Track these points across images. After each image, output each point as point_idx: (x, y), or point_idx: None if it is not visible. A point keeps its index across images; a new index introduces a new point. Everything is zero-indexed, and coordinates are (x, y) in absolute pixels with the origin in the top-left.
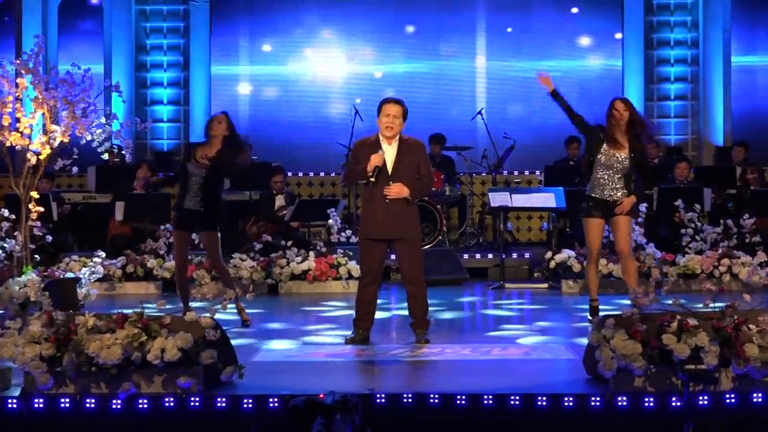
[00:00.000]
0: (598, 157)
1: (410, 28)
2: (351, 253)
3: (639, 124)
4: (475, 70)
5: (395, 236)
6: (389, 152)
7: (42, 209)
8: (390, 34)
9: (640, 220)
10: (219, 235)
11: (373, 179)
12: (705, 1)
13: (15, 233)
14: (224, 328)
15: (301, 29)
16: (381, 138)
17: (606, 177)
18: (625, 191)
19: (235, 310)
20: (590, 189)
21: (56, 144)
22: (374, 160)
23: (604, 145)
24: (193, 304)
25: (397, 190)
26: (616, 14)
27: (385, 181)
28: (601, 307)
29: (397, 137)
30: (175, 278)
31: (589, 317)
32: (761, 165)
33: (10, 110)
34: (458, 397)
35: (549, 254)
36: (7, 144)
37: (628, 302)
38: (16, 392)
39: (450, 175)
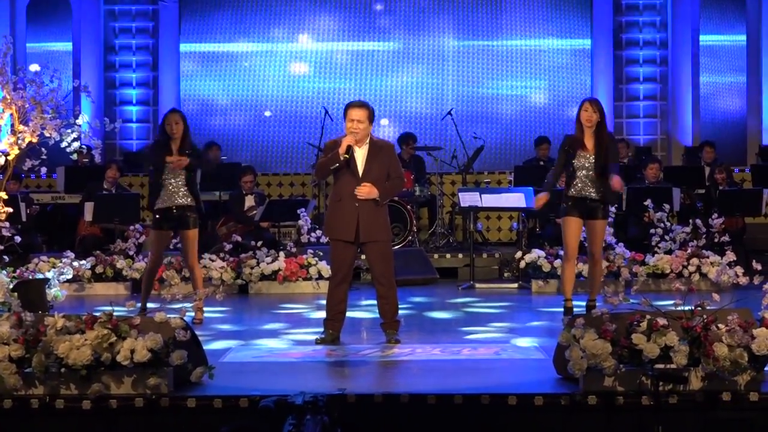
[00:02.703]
0: (575, 161)
1: (382, 18)
2: (321, 254)
3: (605, 130)
4: (444, 73)
5: (365, 239)
6: (359, 154)
7: (11, 210)
8: (363, 34)
9: (610, 220)
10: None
11: (347, 155)
12: (674, 2)
13: None
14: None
15: (271, 30)
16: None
17: (581, 176)
18: (601, 189)
19: (208, 310)
20: (567, 189)
21: (25, 144)
22: (346, 141)
23: (577, 148)
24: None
25: (367, 191)
26: (585, 15)
27: (354, 183)
28: (575, 306)
29: (367, 140)
30: (145, 277)
31: (563, 317)
32: (729, 165)
33: None
34: (429, 397)
35: (519, 254)
36: None
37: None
38: None
39: (420, 175)
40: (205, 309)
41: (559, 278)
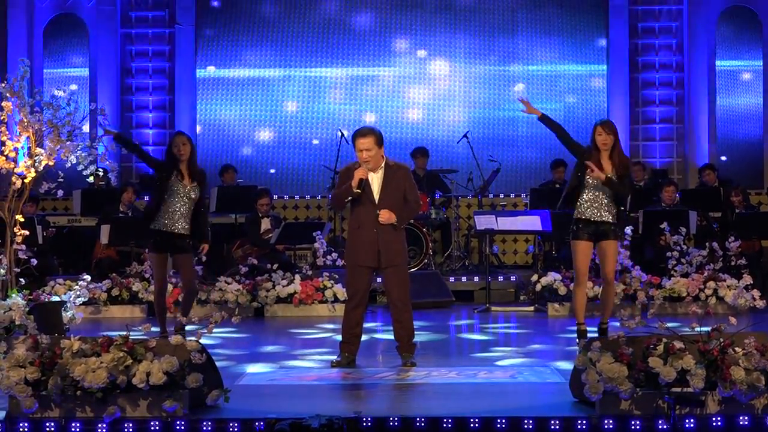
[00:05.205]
0: (587, 179)
1: (400, 44)
2: (337, 276)
3: (618, 153)
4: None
5: (384, 265)
6: (375, 179)
7: (27, 232)
8: (380, 58)
9: (626, 242)
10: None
11: (359, 190)
12: (690, 25)
13: (0, 257)
14: (210, 351)
15: (286, 54)
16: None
17: (593, 198)
18: (614, 212)
19: (224, 333)
20: (578, 211)
21: (41, 167)
22: (358, 174)
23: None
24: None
25: (387, 216)
26: (601, 38)
27: (372, 209)
28: (588, 329)
29: (383, 164)
30: (155, 300)
31: (577, 340)
32: (746, 187)
33: None
34: (445, 420)
35: (535, 277)
36: None
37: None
38: (1, 416)
39: (440, 188)
40: (220, 332)
41: (571, 302)
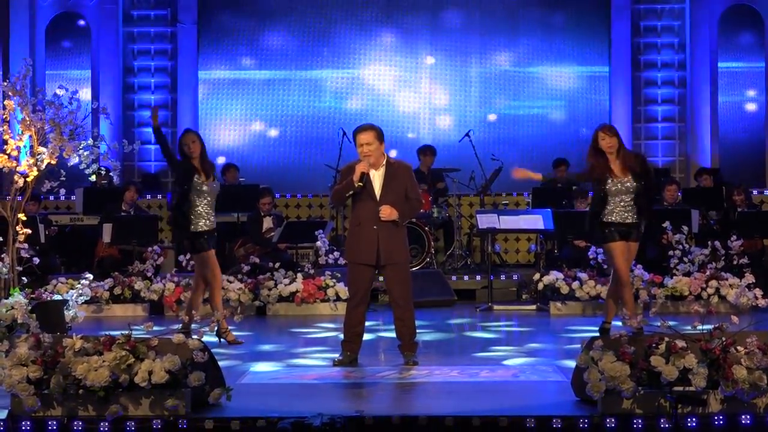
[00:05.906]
0: (608, 187)
1: (394, 41)
2: (339, 275)
3: (627, 153)
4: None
5: (384, 262)
6: (376, 177)
7: (29, 231)
8: (381, 58)
9: None
10: None
11: (361, 183)
12: (692, 24)
13: (2, 255)
14: (212, 350)
15: (289, 53)
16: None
17: (616, 202)
18: (637, 213)
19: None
20: (605, 216)
21: (44, 166)
22: (360, 167)
23: (607, 174)
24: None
25: (388, 212)
26: (603, 37)
27: (373, 206)
28: (587, 328)
29: (384, 161)
30: (215, 300)
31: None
32: (748, 186)
33: None
34: (446, 419)
35: (537, 276)
36: None
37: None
38: (3, 414)
39: (438, 191)
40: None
41: (606, 303)
